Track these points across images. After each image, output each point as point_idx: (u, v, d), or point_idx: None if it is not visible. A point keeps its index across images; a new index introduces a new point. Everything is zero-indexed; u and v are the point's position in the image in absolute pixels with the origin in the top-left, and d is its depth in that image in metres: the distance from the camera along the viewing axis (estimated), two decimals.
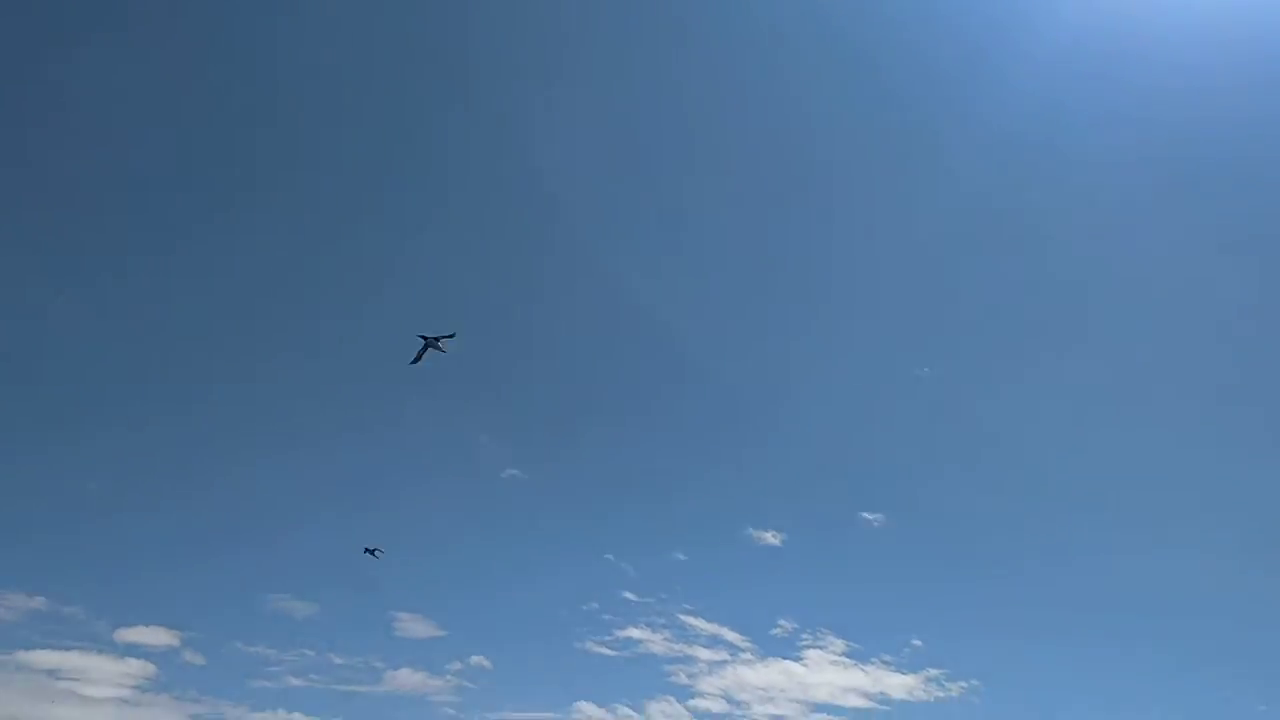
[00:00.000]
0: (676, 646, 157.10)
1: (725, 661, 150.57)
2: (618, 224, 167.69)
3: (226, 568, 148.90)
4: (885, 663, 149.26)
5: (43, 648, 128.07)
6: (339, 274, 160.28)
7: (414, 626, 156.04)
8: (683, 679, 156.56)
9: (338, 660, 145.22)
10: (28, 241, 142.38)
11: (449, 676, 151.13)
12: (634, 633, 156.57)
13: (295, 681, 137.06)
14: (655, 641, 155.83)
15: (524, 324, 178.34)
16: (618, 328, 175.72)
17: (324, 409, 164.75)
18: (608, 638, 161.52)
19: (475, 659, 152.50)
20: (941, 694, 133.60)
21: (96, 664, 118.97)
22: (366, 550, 34.03)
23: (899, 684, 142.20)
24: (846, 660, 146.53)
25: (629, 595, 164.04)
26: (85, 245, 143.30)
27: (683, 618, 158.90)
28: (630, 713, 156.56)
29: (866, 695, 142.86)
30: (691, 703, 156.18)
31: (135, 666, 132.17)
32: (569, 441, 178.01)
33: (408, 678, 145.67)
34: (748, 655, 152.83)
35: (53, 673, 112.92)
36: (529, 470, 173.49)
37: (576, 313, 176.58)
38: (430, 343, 31.75)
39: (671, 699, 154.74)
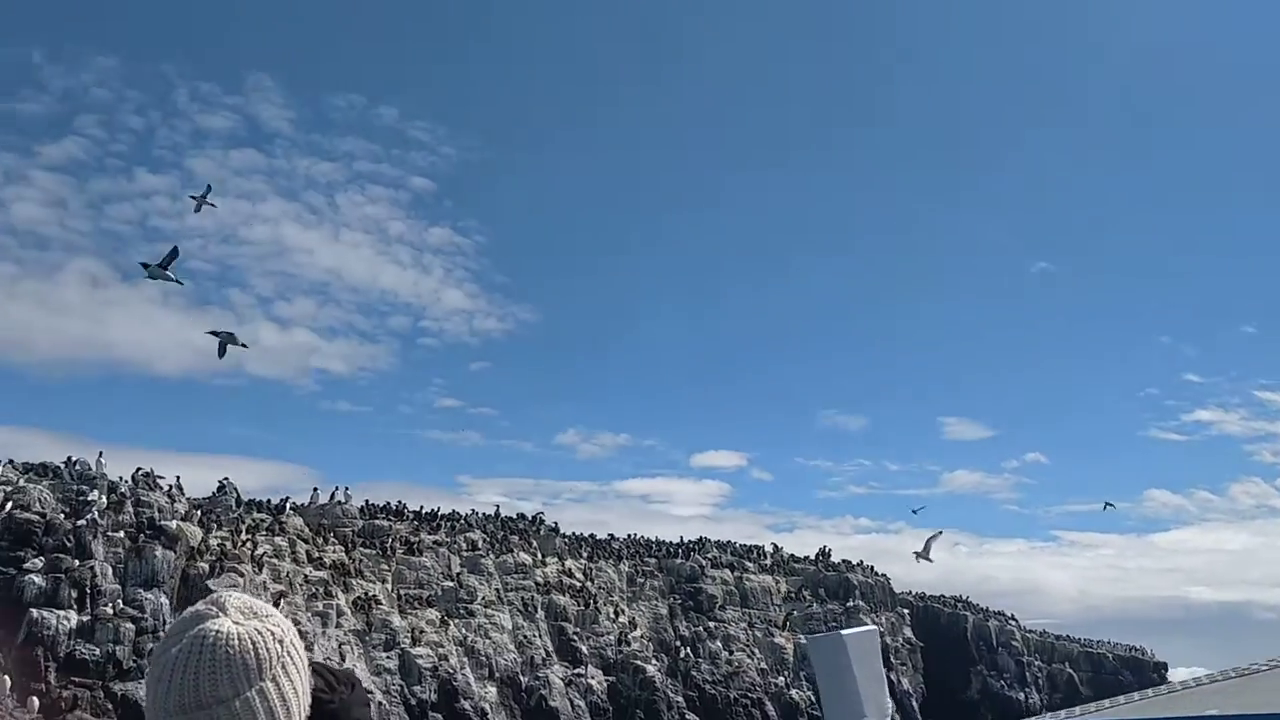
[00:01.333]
0: (1255, 425, 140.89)
1: None
2: None
3: (780, 391, 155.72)
4: None
5: (633, 477, 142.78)
6: None
7: (963, 429, 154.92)
8: (1267, 457, 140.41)
9: (893, 467, 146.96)
10: None
11: (1006, 474, 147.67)
12: (1203, 415, 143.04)
13: (856, 490, 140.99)
14: (1230, 422, 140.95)
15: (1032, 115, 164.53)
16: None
17: (832, 226, 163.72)
18: (1174, 423, 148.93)
19: (1031, 455, 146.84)
20: None
21: (679, 487, 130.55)
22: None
23: None
24: None
25: (1192, 377, 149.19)
26: None
27: (1259, 394, 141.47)
28: (1209, 496, 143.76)
29: None
30: None
31: (712, 487, 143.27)
32: (1097, 226, 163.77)
33: (964, 479, 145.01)
34: None
35: (645, 497, 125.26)
36: (1059, 261, 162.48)
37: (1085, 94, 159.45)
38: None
39: (1257, 479, 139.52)
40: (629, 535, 59.60)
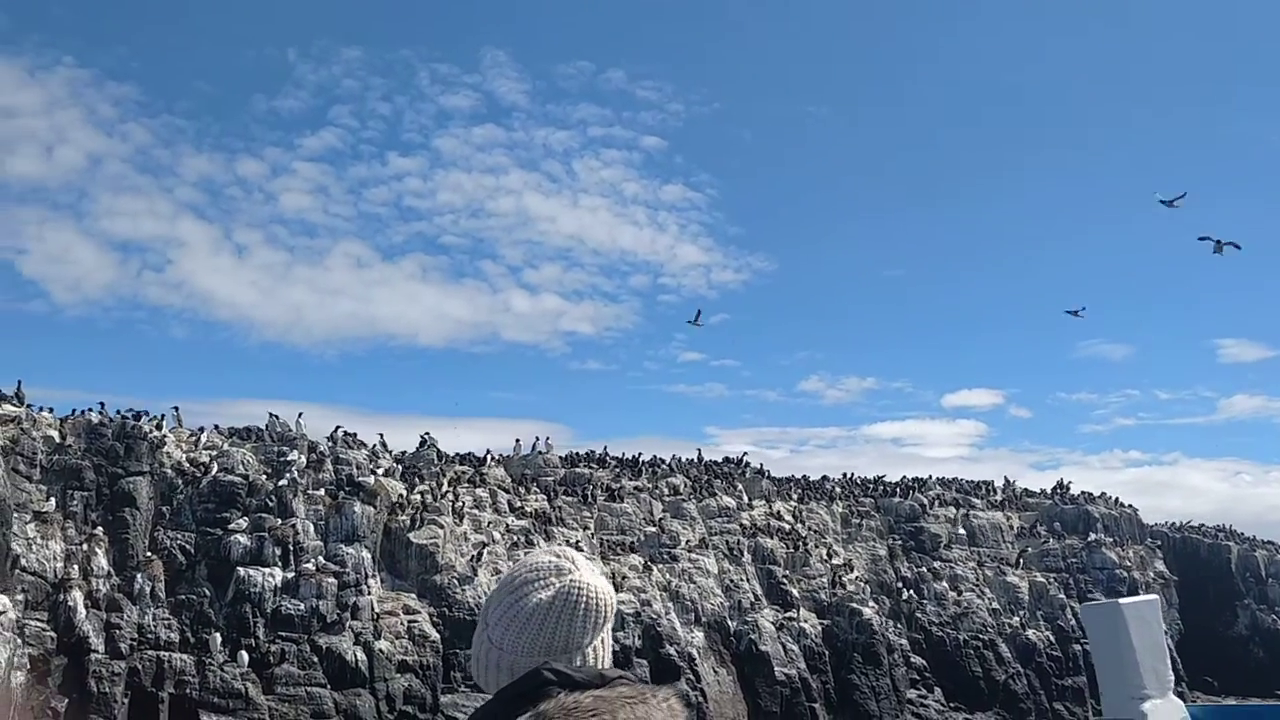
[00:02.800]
0: None
1: None
2: None
3: (1032, 324, 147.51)
4: None
5: (882, 420, 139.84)
6: None
7: (1241, 350, 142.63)
8: None
9: (1164, 396, 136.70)
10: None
11: None
12: None
13: (1124, 422, 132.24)
14: None
15: None
16: None
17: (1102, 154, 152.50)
18: None
19: None
20: None
21: (931, 429, 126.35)
22: None
23: None
24: None
25: None
26: None
27: None
28: None
29: None
30: None
31: (967, 427, 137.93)
32: None
33: (1244, 403, 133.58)
34: None
35: (895, 440, 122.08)
36: None
37: None
38: None
39: None
40: (843, 475, 57.36)
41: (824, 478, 56.56)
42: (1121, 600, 6.26)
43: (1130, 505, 61.18)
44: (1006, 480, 60.85)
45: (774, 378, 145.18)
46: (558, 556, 2.10)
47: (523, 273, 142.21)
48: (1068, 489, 60.42)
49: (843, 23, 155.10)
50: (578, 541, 41.87)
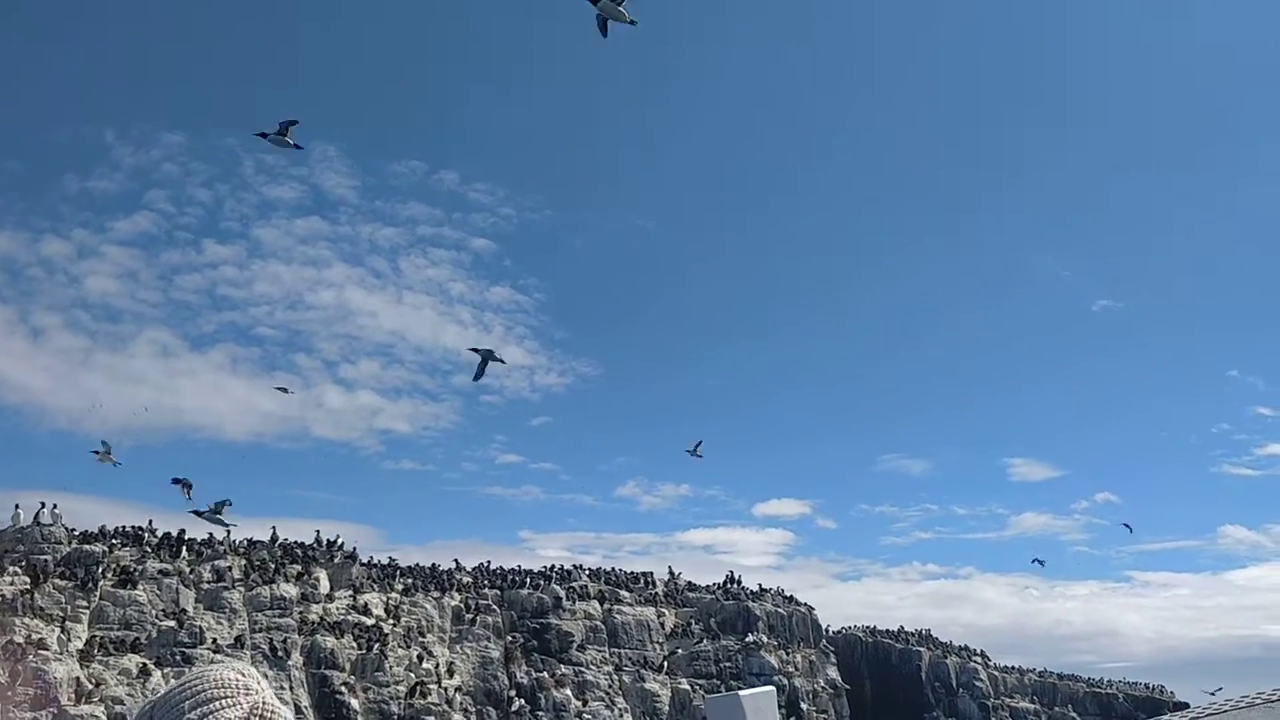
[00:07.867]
0: None
1: None
2: None
3: (839, 437, 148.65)
4: None
5: (696, 527, 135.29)
6: None
7: (1029, 470, 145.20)
8: None
9: (960, 511, 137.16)
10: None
11: (1076, 515, 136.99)
12: (1276, 449, 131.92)
13: (922, 535, 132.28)
14: None
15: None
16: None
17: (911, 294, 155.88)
18: (1246, 458, 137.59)
19: (1101, 495, 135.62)
20: None
21: (743, 537, 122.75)
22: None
23: None
24: None
25: (1263, 410, 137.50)
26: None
27: None
28: None
29: None
30: None
31: (776, 535, 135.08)
32: (1158, 260, 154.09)
33: (1032, 520, 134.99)
34: None
35: (708, 548, 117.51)
36: (1121, 297, 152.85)
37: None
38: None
39: None
40: (480, 563, 49.54)
41: (456, 564, 48.64)
42: (741, 692, 6.37)
43: (806, 604, 55.34)
44: (671, 572, 54.27)
45: (591, 483, 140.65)
46: (242, 675, 2.03)
47: (339, 368, 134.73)
48: (738, 582, 54.26)
49: (674, 139, 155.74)
50: (42, 638, 32.53)
